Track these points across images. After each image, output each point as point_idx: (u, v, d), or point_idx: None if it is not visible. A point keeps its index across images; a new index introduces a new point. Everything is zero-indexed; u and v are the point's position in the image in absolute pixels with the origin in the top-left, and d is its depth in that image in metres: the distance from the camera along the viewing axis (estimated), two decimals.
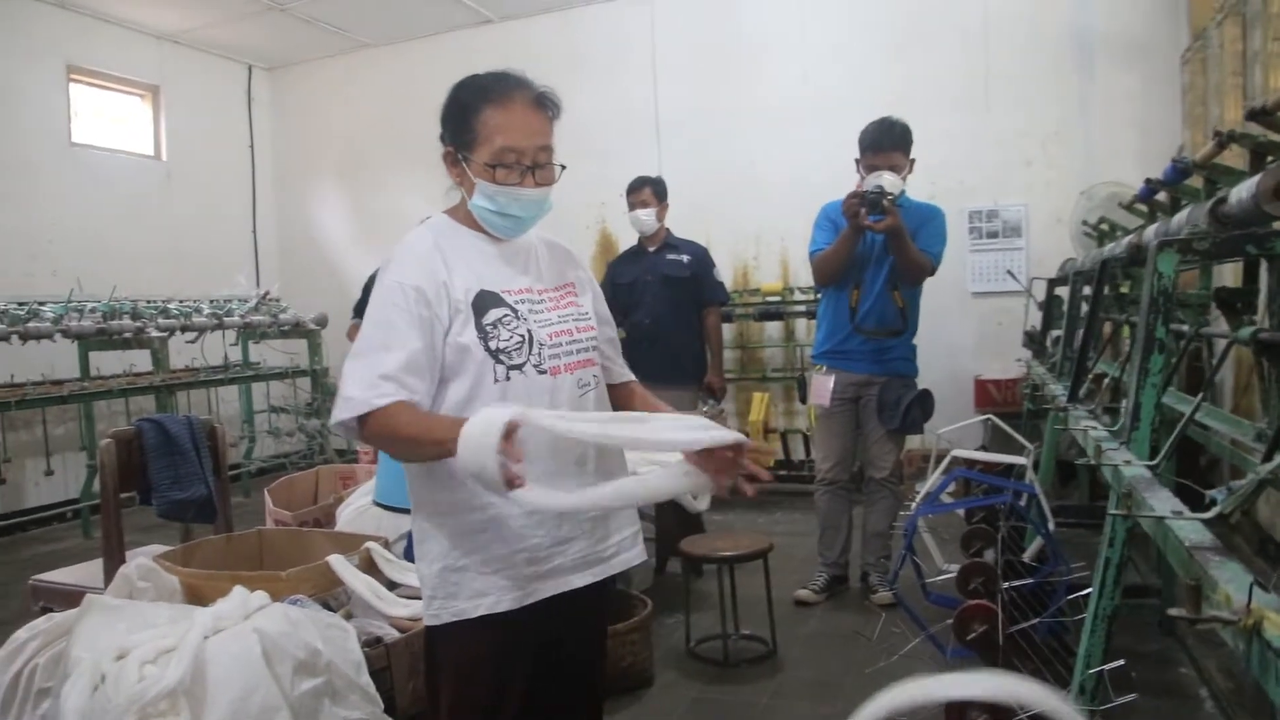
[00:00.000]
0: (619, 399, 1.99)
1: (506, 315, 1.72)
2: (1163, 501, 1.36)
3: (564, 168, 1.79)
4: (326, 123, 8.61)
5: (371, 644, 2.53)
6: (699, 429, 1.55)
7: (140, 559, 2.71)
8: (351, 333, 5.19)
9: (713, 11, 7.08)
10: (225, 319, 6.99)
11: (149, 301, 6.60)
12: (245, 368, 7.50)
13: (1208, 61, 5.01)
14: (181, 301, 6.86)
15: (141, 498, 3.29)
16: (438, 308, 1.68)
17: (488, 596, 1.72)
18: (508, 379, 1.70)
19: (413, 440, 1.62)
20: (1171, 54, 5.79)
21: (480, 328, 1.70)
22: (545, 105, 1.76)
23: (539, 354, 1.73)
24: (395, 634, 2.65)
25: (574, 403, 1.76)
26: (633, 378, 2.03)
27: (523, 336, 1.72)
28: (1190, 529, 1.20)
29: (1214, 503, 1.22)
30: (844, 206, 3.87)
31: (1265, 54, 3.96)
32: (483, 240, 1.79)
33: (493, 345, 1.69)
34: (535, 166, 1.74)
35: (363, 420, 1.63)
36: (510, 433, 1.43)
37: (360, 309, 5.09)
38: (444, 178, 1.83)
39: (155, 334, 6.29)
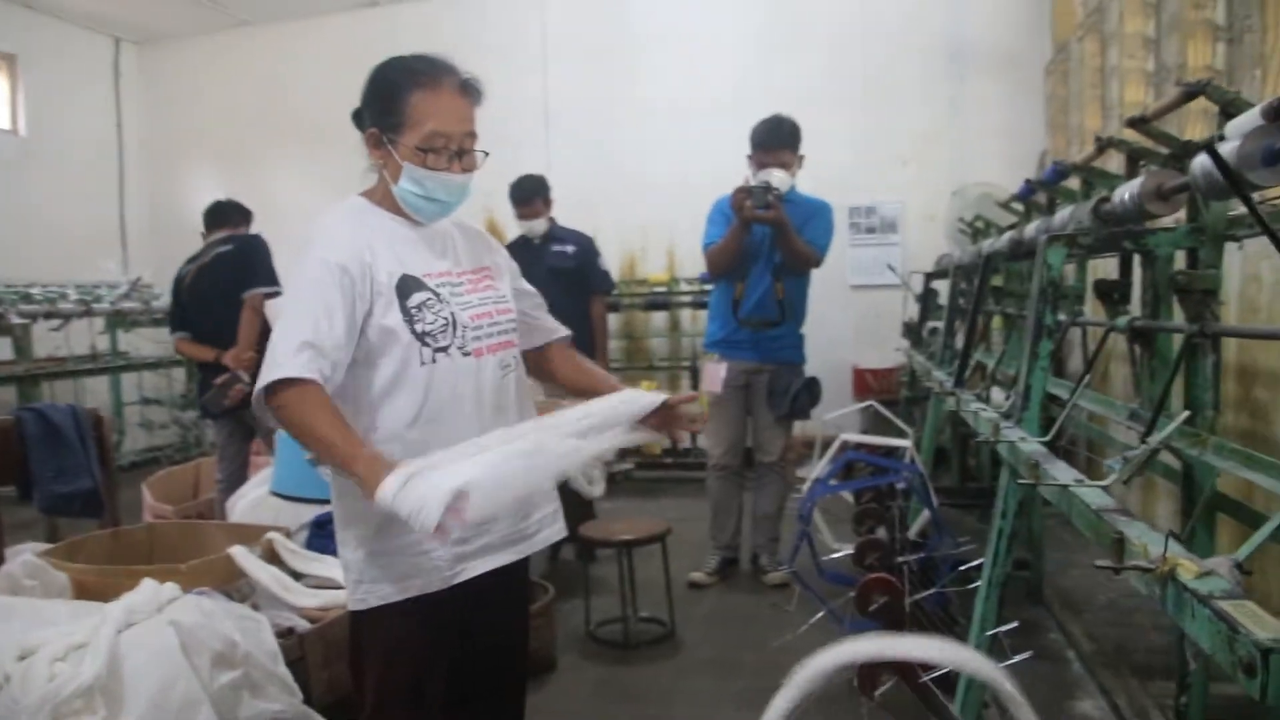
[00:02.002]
0: (552, 359, 2.02)
1: (429, 299, 1.74)
2: (1063, 472, 1.52)
3: (487, 154, 1.82)
4: (201, 102, 8.28)
5: (284, 635, 2.49)
6: (633, 402, 1.69)
7: (26, 555, 2.60)
8: (180, 347, 4.60)
9: (602, 7, 7.15)
10: (94, 306, 6.68)
11: (8, 286, 6.24)
12: (115, 357, 7.15)
13: (1069, 73, 5.39)
14: (45, 286, 6.50)
15: (21, 492, 3.15)
16: (361, 287, 1.68)
17: (414, 579, 1.73)
18: (434, 361, 1.71)
19: (323, 444, 1.55)
20: (1036, 65, 6.19)
21: (405, 310, 1.70)
22: (470, 91, 1.79)
23: (463, 336, 1.75)
24: (305, 625, 2.62)
25: (496, 384, 1.80)
26: (564, 333, 2.04)
27: (447, 319, 1.74)
28: (1092, 494, 1.35)
29: (1111, 471, 1.37)
30: (732, 200, 4.03)
31: (1121, 69, 4.30)
32: (401, 224, 1.80)
33: (418, 328, 1.70)
34: (462, 152, 1.76)
35: (277, 386, 1.57)
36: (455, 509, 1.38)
37: (175, 322, 4.57)
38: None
39: (17, 320, 5.96)
